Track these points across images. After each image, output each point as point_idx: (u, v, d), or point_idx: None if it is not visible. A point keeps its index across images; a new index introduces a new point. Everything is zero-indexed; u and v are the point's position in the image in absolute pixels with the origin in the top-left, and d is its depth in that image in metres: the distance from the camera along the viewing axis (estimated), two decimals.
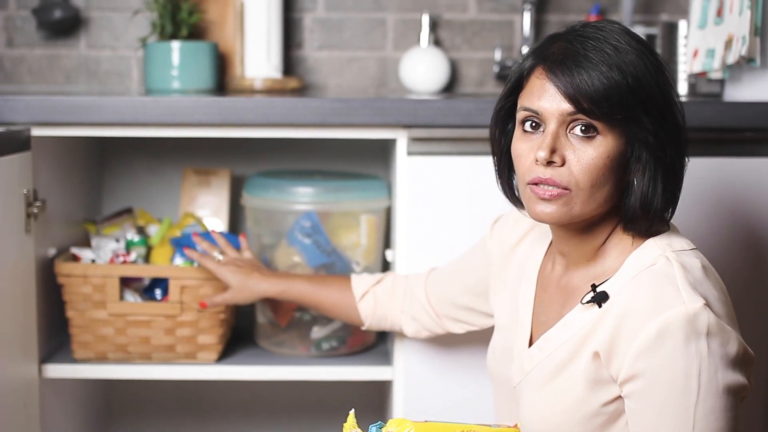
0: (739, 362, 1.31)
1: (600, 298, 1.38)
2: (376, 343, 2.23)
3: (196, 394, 2.62)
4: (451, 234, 1.99)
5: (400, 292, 1.86)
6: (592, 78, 1.32)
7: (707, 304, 1.30)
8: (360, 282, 1.90)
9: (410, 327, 1.85)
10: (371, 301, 1.87)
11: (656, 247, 1.38)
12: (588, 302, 1.39)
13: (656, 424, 1.31)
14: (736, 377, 1.30)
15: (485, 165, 1.96)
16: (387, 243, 2.20)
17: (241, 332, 2.27)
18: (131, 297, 2.08)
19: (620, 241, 1.43)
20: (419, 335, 1.86)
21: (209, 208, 2.44)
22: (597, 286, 1.40)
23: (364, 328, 1.91)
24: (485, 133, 1.94)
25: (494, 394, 1.63)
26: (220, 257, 1.98)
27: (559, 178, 1.35)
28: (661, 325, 1.28)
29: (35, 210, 1.92)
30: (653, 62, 1.36)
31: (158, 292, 2.11)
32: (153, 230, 2.26)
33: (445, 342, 2.00)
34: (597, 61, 1.33)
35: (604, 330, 1.35)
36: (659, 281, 1.33)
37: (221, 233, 2.07)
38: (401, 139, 1.99)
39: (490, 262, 1.69)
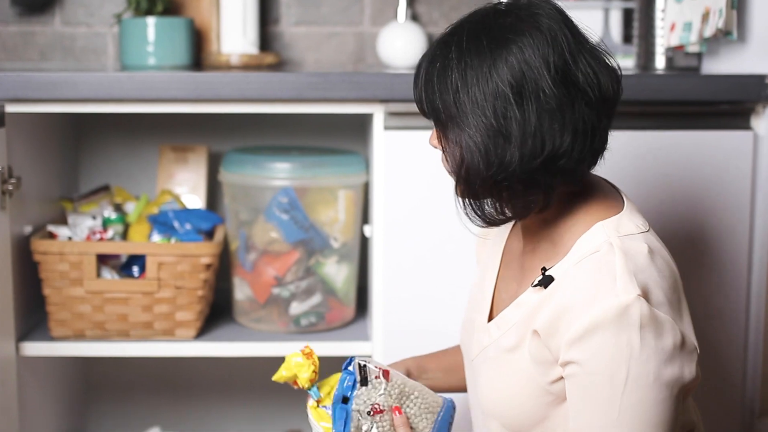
0: (676, 354, 1.29)
1: (546, 281, 1.38)
2: (355, 319, 2.23)
3: (174, 371, 2.61)
4: (429, 209, 1.99)
5: None
6: (414, 91, 1.42)
7: (644, 295, 1.28)
8: None
9: None
10: None
11: (603, 232, 1.37)
12: (536, 285, 1.39)
13: (583, 410, 1.31)
14: (672, 370, 1.29)
15: None
16: (365, 218, 2.19)
17: (219, 309, 2.26)
18: (108, 274, 2.07)
19: (574, 223, 1.41)
20: None
21: (187, 185, 2.42)
22: (546, 270, 1.40)
23: None
24: None
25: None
26: None
27: None
28: (592, 318, 1.28)
29: (10, 187, 1.91)
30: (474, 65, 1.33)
31: (135, 270, 2.10)
32: (130, 207, 2.25)
33: (423, 317, 2.01)
34: (420, 76, 1.40)
35: (545, 313, 1.35)
36: (598, 269, 1.32)
37: (200, 210, 2.05)
38: (378, 114, 1.98)
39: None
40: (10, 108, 1.94)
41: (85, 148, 2.53)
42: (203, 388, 2.62)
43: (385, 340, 2.02)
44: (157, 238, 2.11)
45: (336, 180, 2.13)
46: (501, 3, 1.39)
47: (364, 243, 2.22)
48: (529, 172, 1.33)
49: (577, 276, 1.34)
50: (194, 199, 2.41)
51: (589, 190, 1.43)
